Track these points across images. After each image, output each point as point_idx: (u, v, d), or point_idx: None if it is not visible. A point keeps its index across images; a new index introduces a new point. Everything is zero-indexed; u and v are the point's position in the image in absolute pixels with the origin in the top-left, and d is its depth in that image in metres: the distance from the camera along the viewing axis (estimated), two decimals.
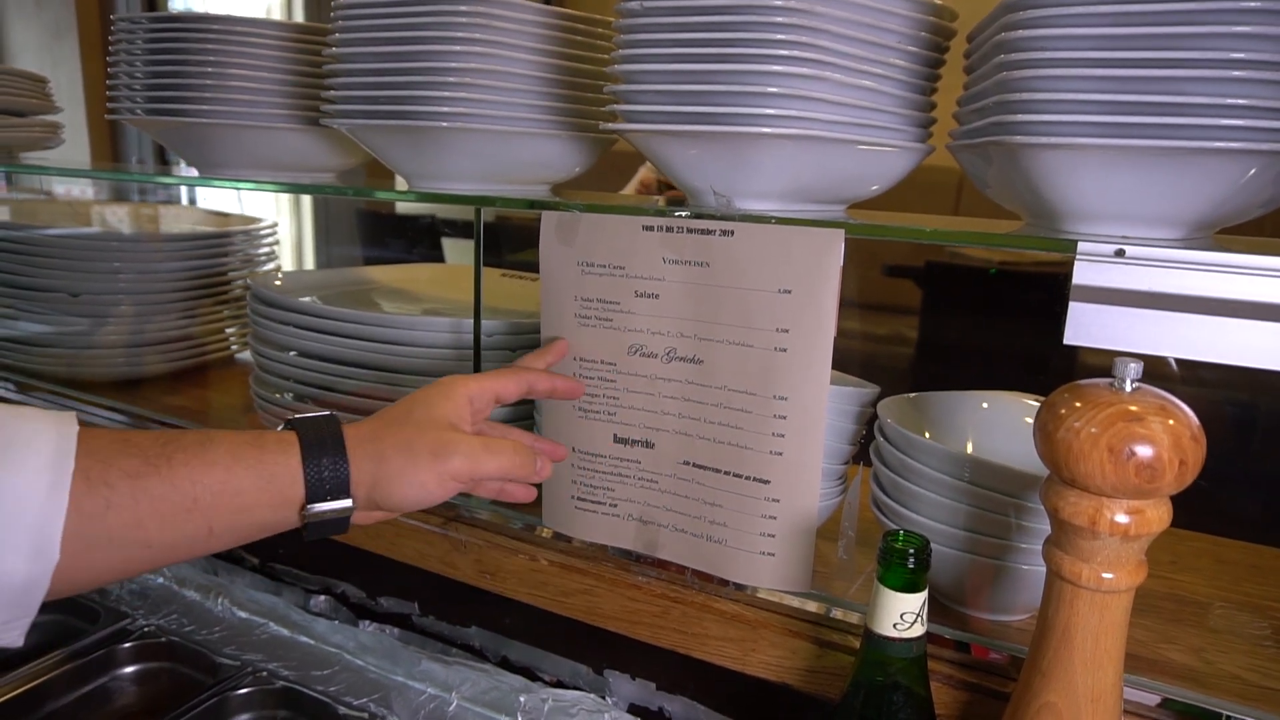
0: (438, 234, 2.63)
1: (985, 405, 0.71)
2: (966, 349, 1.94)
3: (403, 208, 2.82)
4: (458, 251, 2.54)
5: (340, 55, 0.74)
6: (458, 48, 0.69)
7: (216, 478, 0.47)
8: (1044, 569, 0.54)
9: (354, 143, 0.92)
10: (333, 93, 0.75)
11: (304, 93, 0.86)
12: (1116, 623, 0.44)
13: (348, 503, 0.51)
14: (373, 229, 2.94)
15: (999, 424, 0.70)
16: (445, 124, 0.70)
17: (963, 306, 2.01)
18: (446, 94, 0.69)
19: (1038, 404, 0.71)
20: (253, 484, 0.48)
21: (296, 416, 0.53)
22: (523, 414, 0.81)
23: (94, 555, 0.45)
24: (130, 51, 0.87)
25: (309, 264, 3.29)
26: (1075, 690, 0.45)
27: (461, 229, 2.55)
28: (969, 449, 0.70)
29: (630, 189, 2.42)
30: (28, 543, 0.42)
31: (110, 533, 0.45)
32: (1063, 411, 0.43)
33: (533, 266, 0.88)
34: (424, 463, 0.52)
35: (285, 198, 3.15)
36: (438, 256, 2.66)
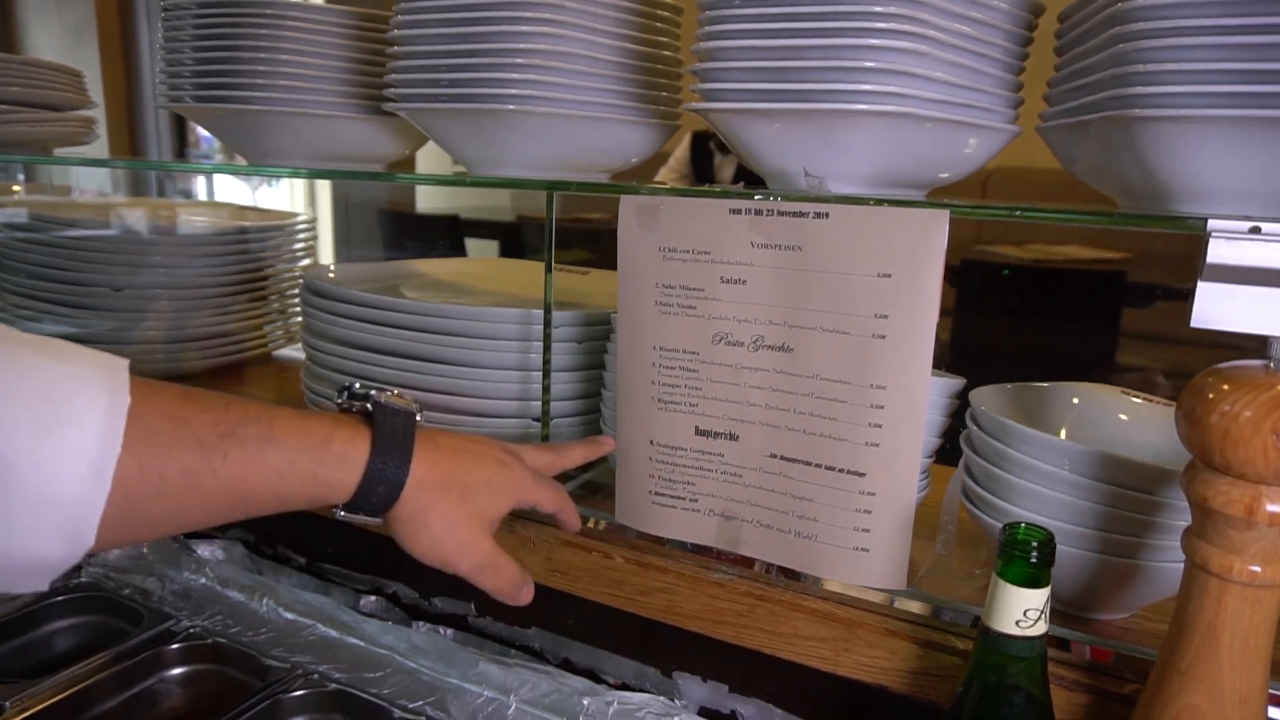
0: (460, 233, 2.61)
1: (1076, 400, 0.68)
2: (1000, 348, 1.91)
3: (424, 206, 2.81)
4: (481, 252, 2.52)
5: (402, 37, 0.72)
6: (525, 28, 0.67)
7: (268, 481, 0.48)
8: (1153, 565, 0.51)
9: (406, 133, 0.90)
10: (394, 76, 0.73)
11: (357, 79, 0.84)
12: (1268, 620, 0.42)
13: (376, 520, 0.54)
14: (393, 228, 2.92)
15: (1091, 417, 0.67)
16: (512, 106, 0.67)
17: (997, 305, 1.98)
18: (514, 75, 0.67)
19: (1129, 398, 0.69)
20: (302, 493, 0.50)
21: (380, 420, 0.52)
22: (588, 407, 0.79)
23: (131, 532, 0.46)
24: (178, 38, 0.85)
25: (327, 260, 3.27)
26: (1222, 692, 0.42)
27: (485, 229, 2.53)
28: None
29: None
30: (63, 528, 0.42)
31: (153, 517, 0.45)
32: (1212, 395, 0.40)
33: (583, 265, 0.86)
34: (446, 549, 0.55)
35: (303, 195, 3.14)
36: (459, 256, 2.64)
